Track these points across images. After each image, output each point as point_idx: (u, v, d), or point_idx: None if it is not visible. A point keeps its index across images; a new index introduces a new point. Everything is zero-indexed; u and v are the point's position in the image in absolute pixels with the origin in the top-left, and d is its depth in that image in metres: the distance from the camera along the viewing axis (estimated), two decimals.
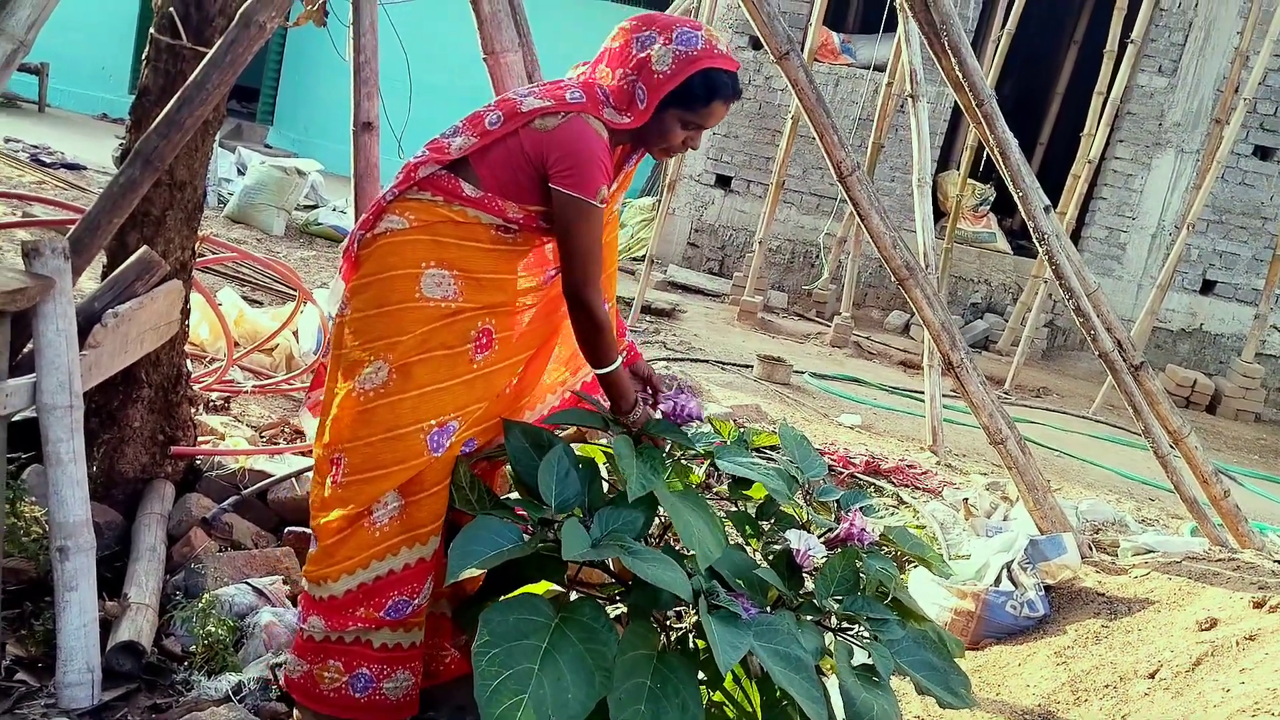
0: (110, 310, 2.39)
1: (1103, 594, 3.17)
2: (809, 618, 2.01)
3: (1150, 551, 3.76)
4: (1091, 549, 3.63)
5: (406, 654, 2.08)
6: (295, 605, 2.54)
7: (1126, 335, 3.34)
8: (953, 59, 2.85)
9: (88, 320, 2.37)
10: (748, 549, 2.43)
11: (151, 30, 2.62)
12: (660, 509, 2.06)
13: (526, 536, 1.85)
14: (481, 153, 2.03)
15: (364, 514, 2.02)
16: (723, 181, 10.45)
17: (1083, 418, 7.30)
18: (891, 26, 7.50)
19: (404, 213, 2.04)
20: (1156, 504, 5.22)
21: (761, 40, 2.84)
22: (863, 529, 2.19)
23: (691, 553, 1.99)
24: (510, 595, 2.13)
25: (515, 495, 2.22)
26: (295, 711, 2.18)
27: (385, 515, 2.02)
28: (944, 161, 10.40)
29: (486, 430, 2.17)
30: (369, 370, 2.01)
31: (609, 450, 2.38)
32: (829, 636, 2.03)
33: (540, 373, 2.31)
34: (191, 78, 2.29)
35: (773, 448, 3.90)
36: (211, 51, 2.27)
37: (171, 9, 2.57)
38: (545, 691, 1.64)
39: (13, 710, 2.08)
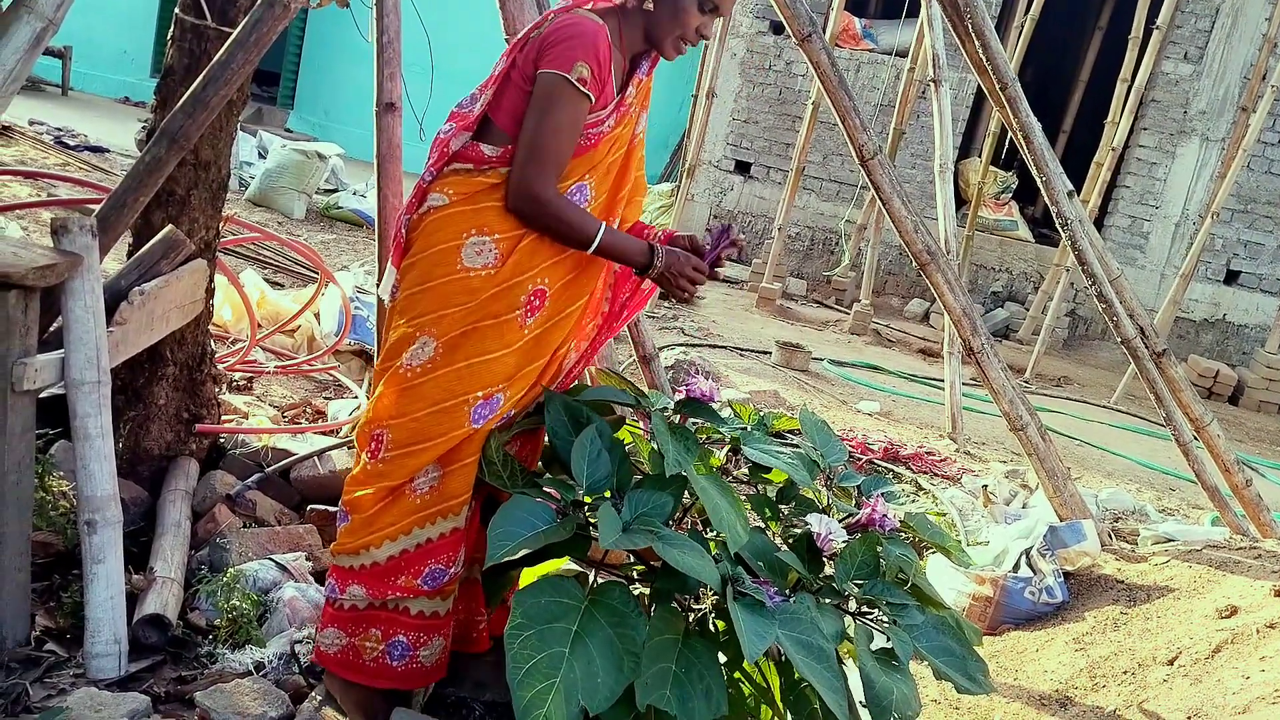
0: (136, 288, 2.42)
1: (1122, 581, 3.16)
2: (829, 601, 2.02)
3: (1170, 540, 3.75)
4: (1111, 537, 3.62)
5: (442, 622, 2.10)
6: (317, 582, 2.57)
7: (1149, 322, 3.32)
8: (976, 43, 2.83)
9: (114, 298, 2.39)
10: (767, 532, 2.44)
11: (176, 10, 2.63)
12: (686, 491, 2.07)
13: (558, 516, 1.86)
14: (495, 102, 2.02)
15: (405, 483, 2.04)
16: (742, 167, 10.42)
17: (1104, 407, 7.26)
18: (914, 11, 7.46)
19: (444, 189, 2.04)
20: (1177, 494, 5.19)
21: (784, 23, 2.83)
22: (883, 515, 2.19)
23: (714, 535, 2.01)
24: (538, 571, 2.16)
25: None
26: (320, 684, 2.20)
27: (426, 484, 2.04)
28: (966, 148, 10.33)
29: (530, 396, 2.14)
30: (415, 347, 2.02)
31: (634, 428, 2.40)
32: (848, 620, 2.04)
33: (584, 325, 2.23)
34: (216, 57, 2.30)
35: (793, 432, 3.90)
36: (236, 31, 2.28)
37: None
38: (576, 675, 1.65)
39: (42, 679, 2.11)
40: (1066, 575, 3.17)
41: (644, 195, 2.27)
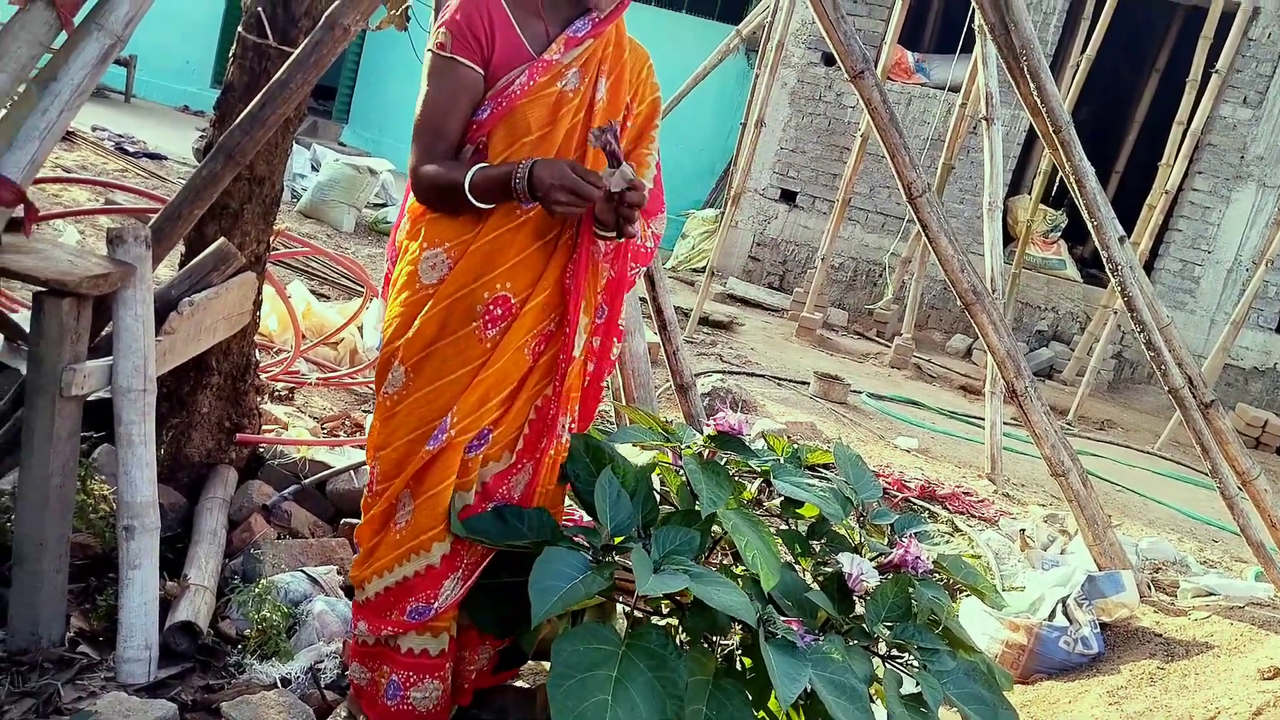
0: (186, 299, 2.46)
1: (1160, 635, 3.09)
2: (859, 643, 1.99)
3: (1212, 594, 3.66)
4: (1150, 588, 3.54)
5: (434, 663, 2.04)
6: (347, 596, 2.58)
7: (1198, 371, 3.26)
8: (1031, 84, 2.81)
9: (165, 307, 2.43)
10: (798, 568, 2.42)
11: (239, 29, 2.69)
12: (714, 525, 2.06)
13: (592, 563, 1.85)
14: None
15: (391, 517, 2.01)
16: (788, 196, 10.41)
17: (1147, 453, 7.13)
18: (968, 47, 7.42)
19: (406, 210, 2.05)
20: (1220, 546, 5.07)
21: (836, 57, 2.83)
22: (917, 556, 2.16)
23: (743, 570, 1.99)
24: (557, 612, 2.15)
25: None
26: (344, 701, 2.21)
27: (403, 518, 1.99)
28: (1015, 185, 10.25)
29: (509, 416, 2.01)
30: (390, 374, 1.99)
31: (664, 460, 2.40)
32: (877, 663, 2.01)
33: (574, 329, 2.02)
34: (276, 76, 2.35)
35: (826, 466, 3.87)
36: (296, 52, 2.32)
37: (259, 9, 2.64)
38: None
39: (74, 681, 2.14)
40: (1103, 626, 3.11)
41: (643, 172, 2.06)
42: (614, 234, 1.92)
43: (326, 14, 2.33)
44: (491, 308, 1.94)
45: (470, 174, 1.84)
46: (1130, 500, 5.62)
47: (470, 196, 1.85)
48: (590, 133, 1.89)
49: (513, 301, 1.95)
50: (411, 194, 2.01)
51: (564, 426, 2.08)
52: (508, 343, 1.95)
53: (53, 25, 2.01)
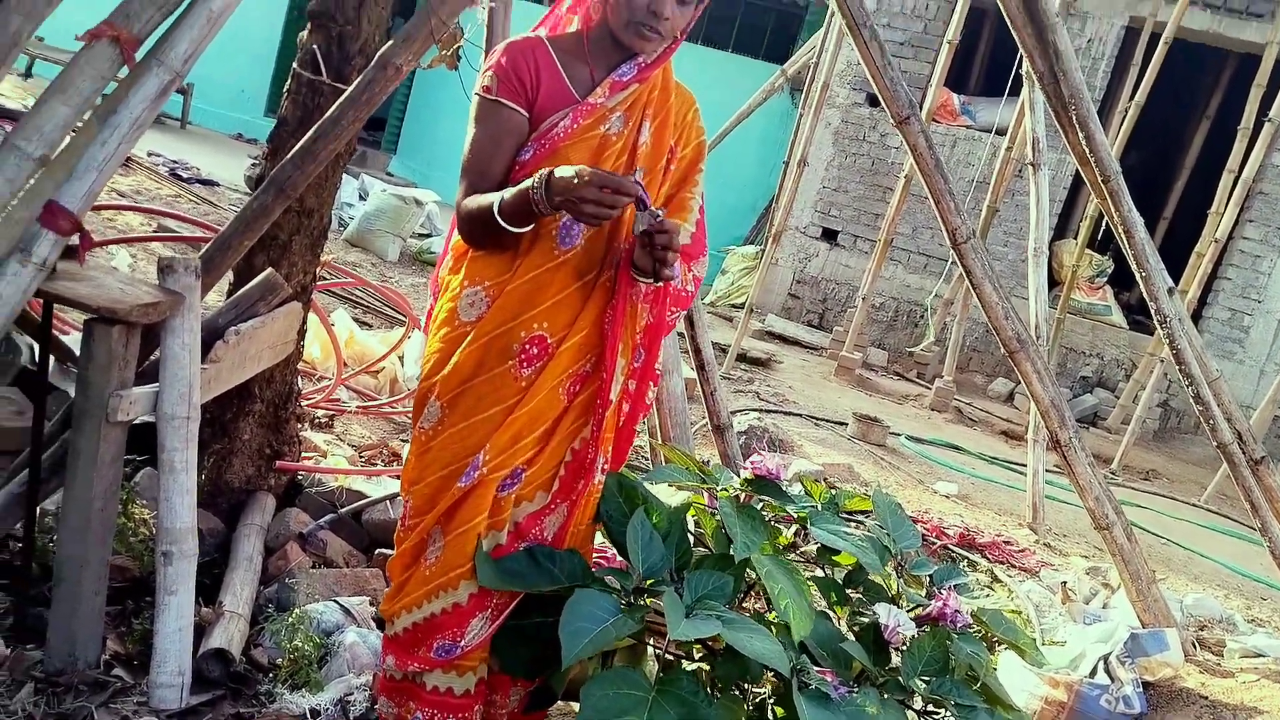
0: (233, 328, 2.49)
1: (1205, 697, 3.00)
2: (894, 696, 1.96)
3: (1260, 655, 3.55)
4: (1195, 647, 3.45)
5: (459, 702, 2.03)
6: (378, 627, 2.59)
7: (1247, 426, 3.19)
8: (1080, 134, 2.78)
9: (211, 335, 2.47)
10: (833, 616, 2.39)
11: (295, 65, 2.75)
12: (749, 570, 2.04)
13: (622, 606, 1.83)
14: None
15: (422, 552, 2.01)
16: (829, 235, 10.40)
17: (1193, 505, 6.97)
18: (1014, 91, 7.39)
19: (452, 250, 2.08)
20: (1269, 604, 4.93)
21: (881, 100, 2.83)
22: (955, 609, 2.13)
23: (777, 617, 1.97)
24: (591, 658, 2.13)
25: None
26: None
27: (434, 554, 1.99)
28: (1061, 229, 10.16)
29: (543, 455, 2.00)
30: (427, 408, 2.01)
31: (699, 501, 2.38)
32: (913, 717, 1.97)
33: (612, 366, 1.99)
34: (328, 113, 2.39)
35: (864, 513, 3.82)
36: (349, 90, 2.37)
37: (315, 46, 2.70)
38: None
39: (107, 704, 2.16)
40: (1146, 685, 3.03)
41: (685, 215, 2.07)
42: (651, 279, 1.92)
43: (380, 53, 2.37)
44: (528, 347, 1.95)
45: (500, 196, 1.85)
46: (1175, 554, 5.49)
47: (500, 219, 1.85)
48: (636, 215, 1.85)
49: (549, 341, 1.96)
50: (456, 231, 2.04)
51: (600, 467, 2.07)
52: (542, 382, 1.96)
53: (115, 60, 2.06)
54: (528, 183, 1.81)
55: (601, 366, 2.00)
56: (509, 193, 1.85)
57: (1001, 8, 2.81)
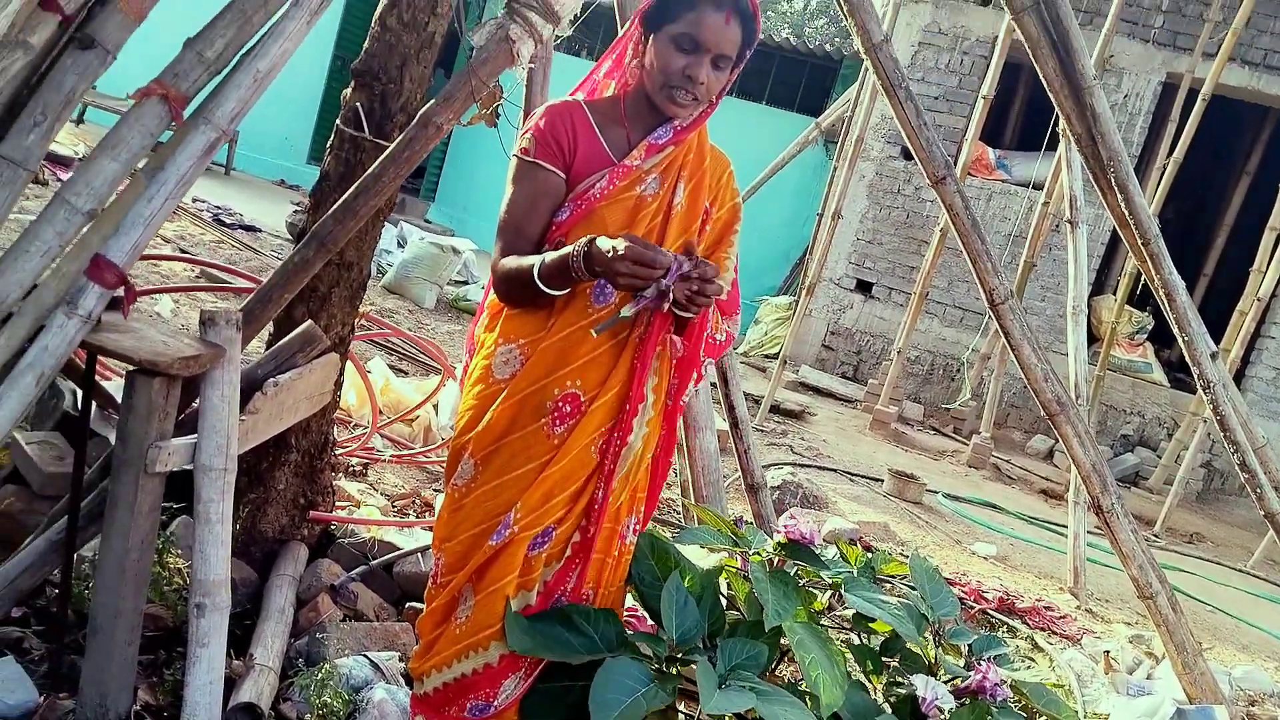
0: (271, 379, 2.51)
1: None
2: None
3: None
4: None
5: None
6: (408, 684, 2.56)
7: None
8: (1119, 196, 2.76)
9: (250, 386, 2.49)
10: (869, 685, 2.34)
11: (338, 122, 2.80)
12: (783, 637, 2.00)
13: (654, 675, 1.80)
14: None
15: (453, 611, 2.00)
16: (864, 287, 10.37)
17: (1240, 571, 6.79)
18: (1051, 145, 7.37)
19: (487, 308, 2.11)
20: None
21: (916, 159, 2.83)
22: (996, 683, 2.07)
23: (808, 688, 1.93)
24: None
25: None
26: None
27: (464, 613, 1.97)
28: (1099, 285, 10.07)
29: (574, 514, 1.98)
30: (461, 464, 2.01)
31: (732, 565, 2.35)
32: None
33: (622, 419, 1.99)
34: (370, 170, 2.42)
35: (901, 578, 3.76)
36: (390, 147, 2.40)
37: (358, 104, 2.74)
38: None
39: None
40: None
41: (721, 273, 2.04)
42: (686, 313, 1.89)
43: (421, 112, 2.40)
44: (561, 404, 1.95)
45: (540, 259, 1.87)
46: (1222, 622, 5.34)
47: (539, 282, 1.87)
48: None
49: (582, 399, 1.95)
50: (491, 290, 2.05)
51: (629, 527, 2.05)
52: (574, 440, 1.95)
53: (163, 118, 2.11)
54: (568, 249, 1.83)
55: (627, 400, 1.97)
56: (549, 257, 1.87)
57: (1038, 70, 2.81)
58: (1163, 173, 8.23)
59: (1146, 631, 4.29)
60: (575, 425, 1.95)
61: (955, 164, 8.35)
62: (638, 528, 2.08)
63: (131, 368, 2.17)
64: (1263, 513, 3.05)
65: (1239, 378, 9.18)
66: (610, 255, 1.74)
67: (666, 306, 1.80)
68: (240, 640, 2.59)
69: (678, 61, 1.90)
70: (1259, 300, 7.60)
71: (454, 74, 2.46)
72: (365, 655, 2.60)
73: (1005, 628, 4.13)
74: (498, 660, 1.95)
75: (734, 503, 4.41)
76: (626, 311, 1.82)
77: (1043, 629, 4.13)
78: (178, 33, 2.30)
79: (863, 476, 6.45)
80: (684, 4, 1.90)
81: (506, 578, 1.93)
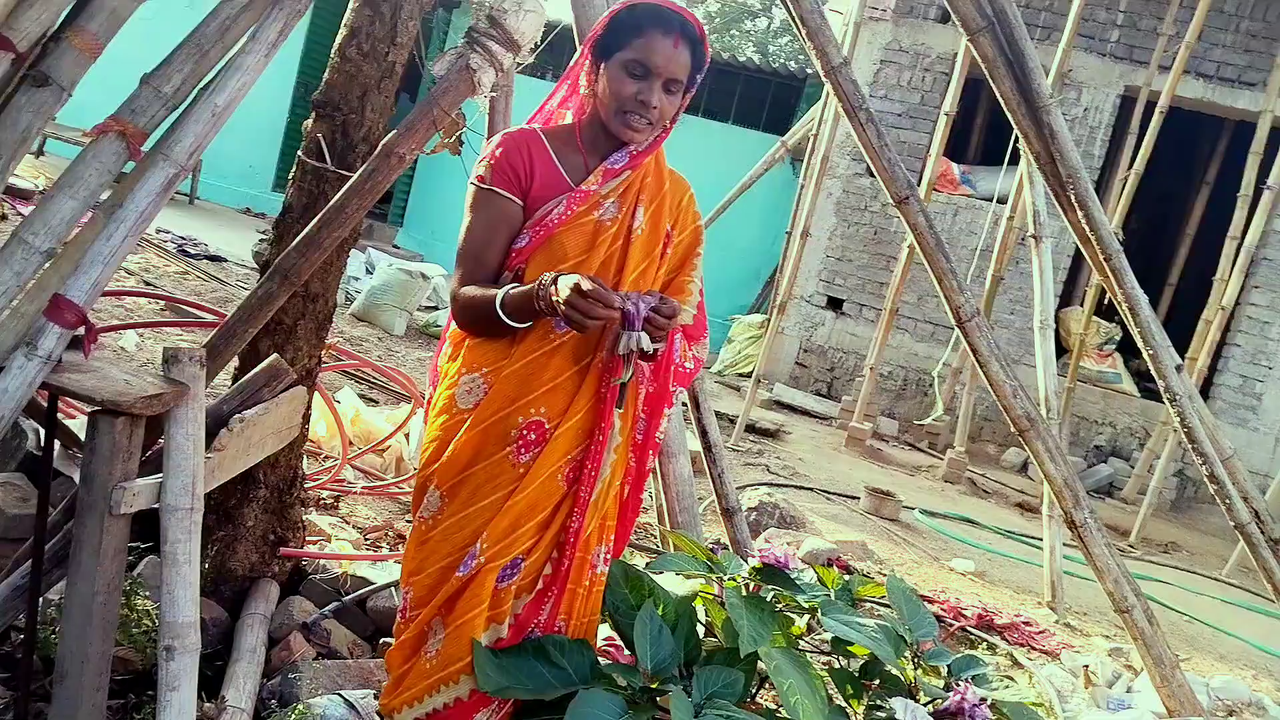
0: (237, 415, 2.48)
1: None
2: None
3: None
4: None
5: None
6: None
7: (1264, 505, 3.14)
8: (1079, 212, 2.79)
9: (215, 423, 2.45)
10: (848, 709, 2.32)
11: (299, 153, 2.78)
12: (760, 663, 1.99)
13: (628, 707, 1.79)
14: None
15: (422, 645, 1.98)
16: (834, 304, 10.42)
17: (1215, 580, 6.83)
18: (1014, 160, 7.46)
19: (449, 338, 2.11)
20: None
21: (879, 180, 2.85)
22: (974, 704, 2.07)
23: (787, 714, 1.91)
24: None
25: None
26: None
27: (435, 647, 1.96)
28: (1067, 296, 10.17)
29: (543, 544, 1.96)
30: (426, 497, 2.00)
31: (708, 591, 2.34)
32: None
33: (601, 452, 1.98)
34: (333, 201, 2.40)
35: (879, 600, 3.75)
36: (353, 178, 2.38)
37: (319, 135, 2.73)
38: None
39: None
40: None
41: (684, 298, 2.09)
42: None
43: (384, 142, 2.39)
44: (525, 432, 1.94)
45: (503, 292, 1.88)
46: (1200, 632, 5.37)
47: (501, 314, 1.88)
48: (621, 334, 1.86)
49: (546, 426, 1.95)
50: (453, 320, 2.05)
51: (599, 556, 2.03)
52: (540, 468, 1.94)
53: (121, 154, 2.08)
54: (531, 286, 1.84)
55: (598, 431, 1.96)
56: (513, 290, 1.87)
57: (995, 89, 2.84)
58: (1124, 184, 8.34)
59: (1125, 644, 4.31)
60: (540, 453, 1.94)
61: (920, 180, 8.43)
62: (608, 557, 2.07)
63: (94, 408, 2.14)
64: (1233, 524, 3.08)
65: (1207, 385, 9.29)
66: (567, 293, 1.75)
67: (649, 350, 1.82)
68: (212, 681, 2.54)
69: (629, 87, 1.93)
70: (1223, 309, 7.71)
71: (418, 102, 2.45)
72: (339, 694, 2.55)
73: (985, 644, 4.13)
74: (468, 694, 1.92)
75: (711, 526, 4.39)
76: (625, 377, 1.87)
77: (1022, 644, 4.14)
78: (138, 65, 2.28)
79: (840, 495, 6.46)
80: (632, 31, 1.93)
81: (476, 610, 1.92)
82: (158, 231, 8.89)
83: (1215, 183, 10.69)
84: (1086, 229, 2.82)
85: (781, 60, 13.64)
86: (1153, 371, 2.94)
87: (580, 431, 1.97)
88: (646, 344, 1.80)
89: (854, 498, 6.38)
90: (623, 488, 2.10)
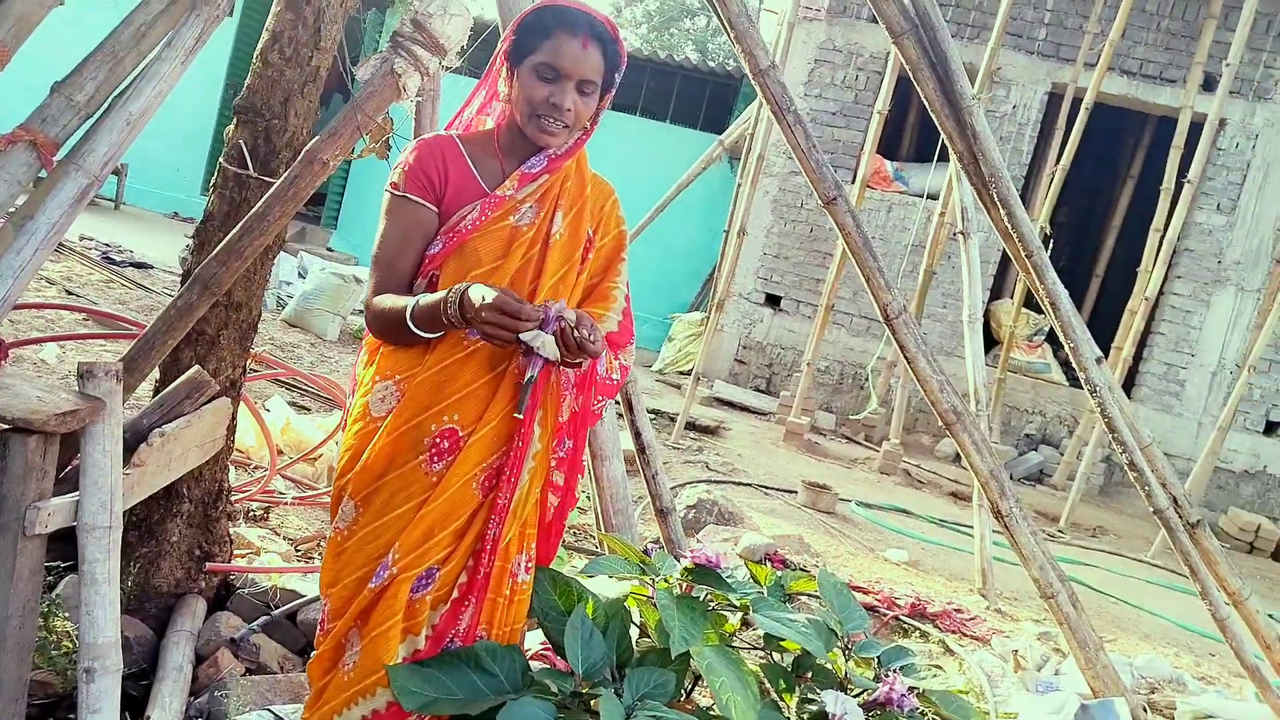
0: (157, 429, 2.42)
1: None
2: None
3: (1211, 717, 3.57)
4: (1147, 710, 3.44)
5: None
6: None
7: (1182, 491, 3.24)
8: (1001, 210, 2.85)
9: (135, 438, 2.40)
10: (782, 704, 2.35)
11: (221, 159, 2.72)
12: (693, 662, 2.00)
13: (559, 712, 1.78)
14: None
15: (340, 657, 1.96)
16: (772, 300, 10.51)
17: (1140, 561, 7.05)
18: (945, 156, 7.60)
19: (365, 345, 2.08)
20: (1217, 660, 4.97)
21: (808, 181, 2.88)
22: (903, 693, 2.11)
23: (720, 711, 1.93)
24: None
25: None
26: None
27: (352, 659, 1.93)
28: (998, 289, 10.38)
29: (458, 554, 1.93)
30: (341, 507, 1.97)
31: (641, 593, 2.34)
32: None
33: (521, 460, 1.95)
34: (255, 209, 2.36)
35: (812, 594, 3.80)
36: (275, 185, 2.35)
37: (241, 140, 2.68)
38: None
39: None
40: None
41: (608, 305, 2.09)
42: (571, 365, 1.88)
43: (307, 148, 2.36)
44: (438, 440, 1.92)
45: (413, 303, 1.85)
46: (1125, 612, 5.53)
47: (411, 324, 1.86)
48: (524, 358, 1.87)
49: (460, 434, 1.92)
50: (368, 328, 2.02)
51: (520, 565, 2.02)
52: (453, 476, 1.92)
53: (32, 165, 2.03)
54: (439, 296, 1.82)
55: (515, 438, 1.94)
56: (423, 300, 1.85)
57: (919, 91, 2.89)
58: (1052, 179, 8.55)
59: (1053, 628, 4.42)
60: (453, 461, 1.92)
61: (854, 177, 8.54)
62: (529, 565, 2.05)
63: (5, 426, 2.07)
64: (1152, 510, 3.17)
65: (1132, 373, 9.56)
66: (479, 304, 1.73)
67: (559, 360, 1.80)
68: (137, 702, 2.48)
69: (541, 91, 1.92)
70: (1147, 299, 7.94)
71: (339, 111, 2.42)
72: (269, 710, 2.51)
73: (918, 633, 4.20)
74: (385, 706, 1.90)
75: (649, 525, 4.41)
76: (528, 377, 1.84)
77: (954, 631, 4.22)
78: (48, 75, 2.21)
79: (778, 489, 6.52)
80: (540, 34, 1.92)
81: (390, 621, 1.89)
82: (81, 239, 8.65)
83: (1139, 177, 11.00)
84: (1009, 226, 2.88)
85: (720, 59, 13.71)
86: (1074, 363, 3.02)
87: (495, 439, 1.94)
88: (550, 351, 1.77)
89: (791, 492, 6.45)
90: (546, 502, 2.08)
